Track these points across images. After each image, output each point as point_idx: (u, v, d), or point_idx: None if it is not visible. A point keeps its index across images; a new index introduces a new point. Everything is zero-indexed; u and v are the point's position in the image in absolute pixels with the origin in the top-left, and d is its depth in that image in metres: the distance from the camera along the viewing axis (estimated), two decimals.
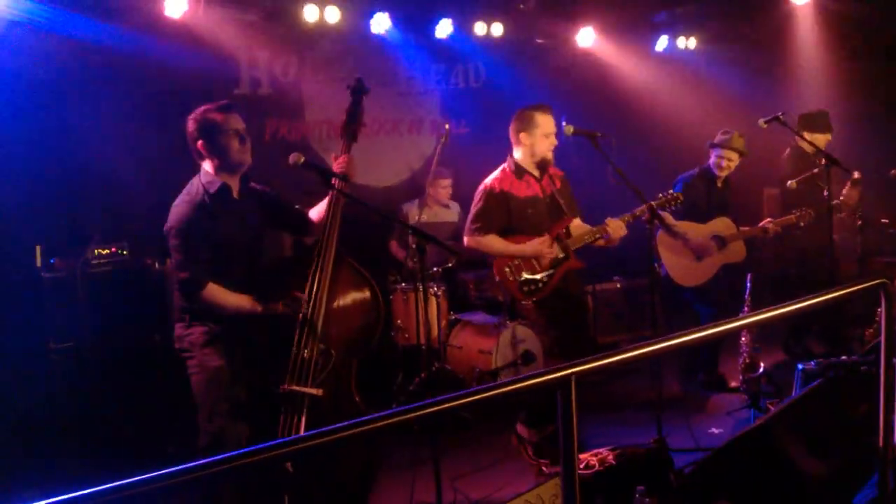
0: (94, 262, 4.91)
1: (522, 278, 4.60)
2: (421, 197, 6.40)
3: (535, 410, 4.82)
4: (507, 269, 4.62)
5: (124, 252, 5.03)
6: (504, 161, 4.78)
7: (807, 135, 6.09)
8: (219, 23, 5.79)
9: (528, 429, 4.80)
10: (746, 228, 5.84)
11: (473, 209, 4.72)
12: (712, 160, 5.89)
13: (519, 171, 4.70)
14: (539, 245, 4.61)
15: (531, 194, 4.69)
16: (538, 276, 4.61)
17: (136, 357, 4.86)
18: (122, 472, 1.56)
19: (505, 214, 4.65)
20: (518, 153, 4.72)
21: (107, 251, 4.98)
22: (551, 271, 4.63)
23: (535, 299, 4.63)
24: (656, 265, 5.69)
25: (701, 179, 5.89)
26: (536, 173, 4.72)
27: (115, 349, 4.83)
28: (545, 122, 4.63)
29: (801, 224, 5.80)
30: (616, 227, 4.60)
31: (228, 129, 3.58)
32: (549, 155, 4.68)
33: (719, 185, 5.93)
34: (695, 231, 5.73)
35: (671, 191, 4.93)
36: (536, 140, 4.63)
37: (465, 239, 4.74)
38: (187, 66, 5.62)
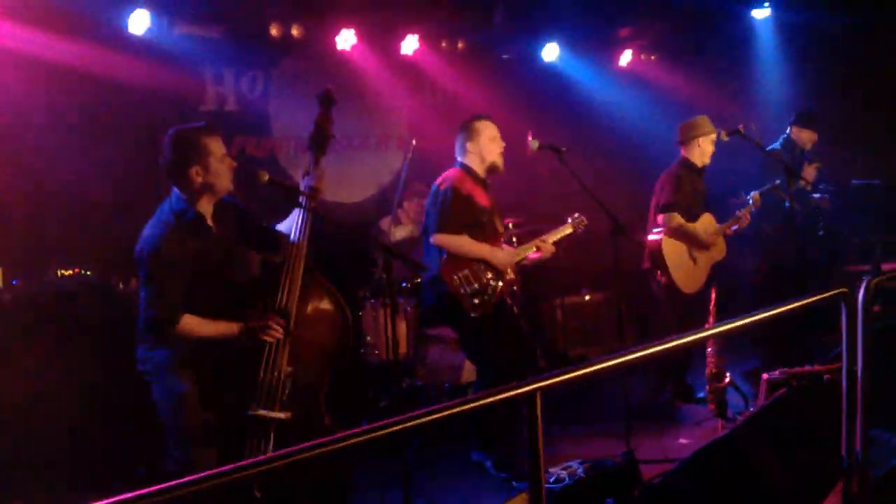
0: (58, 283, 4.84)
1: (472, 290, 4.56)
2: (392, 213, 6.40)
3: (483, 434, 4.82)
4: (456, 279, 4.55)
5: (88, 272, 4.96)
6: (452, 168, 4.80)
7: (795, 130, 6.28)
8: (183, 39, 5.76)
9: (481, 453, 4.81)
10: (725, 224, 5.76)
11: (441, 206, 4.57)
12: (692, 152, 5.68)
13: (476, 176, 4.73)
14: (506, 254, 4.64)
15: (484, 204, 4.72)
16: (484, 289, 4.58)
17: (101, 378, 4.79)
18: (89, 494, 1.54)
19: (468, 217, 4.63)
20: (470, 160, 4.74)
21: (70, 272, 4.91)
22: (496, 285, 4.62)
23: (481, 312, 4.58)
24: (658, 273, 5.63)
25: (688, 173, 5.67)
26: (484, 183, 4.77)
27: (80, 370, 4.75)
28: (487, 129, 4.71)
29: (756, 207, 5.74)
30: (544, 242, 4.76)
31: (220, 153, 3.44)
32: (500, 161, 4.73)
33: (701, 174, 5.76)
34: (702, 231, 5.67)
35: (576, 214, 4.96)
36: (484, 146, 4.69)
37: (435, 236, 4.60)
38: (151, 83, 5.58)
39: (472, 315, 4.57)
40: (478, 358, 4.90)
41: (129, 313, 4.83)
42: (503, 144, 4.73)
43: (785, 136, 6.46)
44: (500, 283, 4.65)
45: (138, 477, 4.65)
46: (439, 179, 4.73)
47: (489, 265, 4.62)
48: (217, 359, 3.48)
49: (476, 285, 4.57)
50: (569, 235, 4.95)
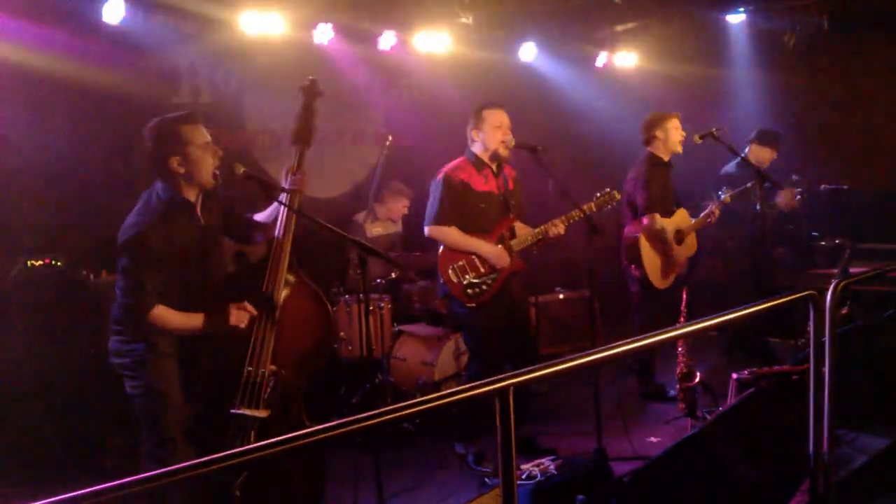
0: (27, 274, 4.77)
1: (467, 281, 4.63)
2: (368, 208, 6.39)
3: (465, 425, 4.86)
4: (451, 271, 4.63)
5: (58, 264, 4.89)
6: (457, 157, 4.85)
7: (755, 147, 6.32)
8: (158, 30, 5.68)
9: (463, 444, 4.85)
10: (698, 220, 5.76)
11: (435, 198, 4.71)
12: (656, 147, 5.69)
13: (479, 162, 4.77)
14: (495, 250, 4.65)
15: (487, 189, 4.75)
16: (481, 279, 4.64)
17: (71, 370, 4.73)
18: (57, 489, 1.52)
19: (461, 205, 4.68)
20: (475, 147, 4.79)
21: (40, 263, 4.83)
22: (494, 275, 4.67)
23: (477, 302, 4.64)
24: (633, 267, 5.65)
25: (657, 167, 5.66)
26: (494, 169, 4.79)
27: (50, 363, 4.70)
28: (492, 117, 4.72)
29: (728, 202, 5.75)
30: (555, 226, 4.68)
31: (201, 141, 3.39)
32: (502, 150, 4.71)
33: (669, 168, 5.75)
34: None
35: (607, 189, 4.81)
36: (487, 134, 4.71)
37: (428, 228, 4.73)
38: (125, 72, 5.51)
39: (468, 305, 4.65)
40: (471, 347, 4.99)
41: (99, 305, 4.81)
42: (508, 133, 4.71)
43: (744, 153, 6.49)
44: (499, 272, 4.67)
45: (105, 469, 4.62)
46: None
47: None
48: (199, 355, 3.42)
49: (471, 275, 4.63)
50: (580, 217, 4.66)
